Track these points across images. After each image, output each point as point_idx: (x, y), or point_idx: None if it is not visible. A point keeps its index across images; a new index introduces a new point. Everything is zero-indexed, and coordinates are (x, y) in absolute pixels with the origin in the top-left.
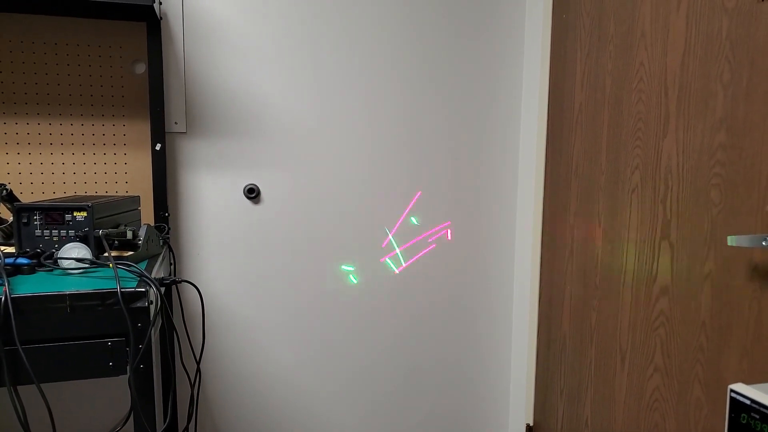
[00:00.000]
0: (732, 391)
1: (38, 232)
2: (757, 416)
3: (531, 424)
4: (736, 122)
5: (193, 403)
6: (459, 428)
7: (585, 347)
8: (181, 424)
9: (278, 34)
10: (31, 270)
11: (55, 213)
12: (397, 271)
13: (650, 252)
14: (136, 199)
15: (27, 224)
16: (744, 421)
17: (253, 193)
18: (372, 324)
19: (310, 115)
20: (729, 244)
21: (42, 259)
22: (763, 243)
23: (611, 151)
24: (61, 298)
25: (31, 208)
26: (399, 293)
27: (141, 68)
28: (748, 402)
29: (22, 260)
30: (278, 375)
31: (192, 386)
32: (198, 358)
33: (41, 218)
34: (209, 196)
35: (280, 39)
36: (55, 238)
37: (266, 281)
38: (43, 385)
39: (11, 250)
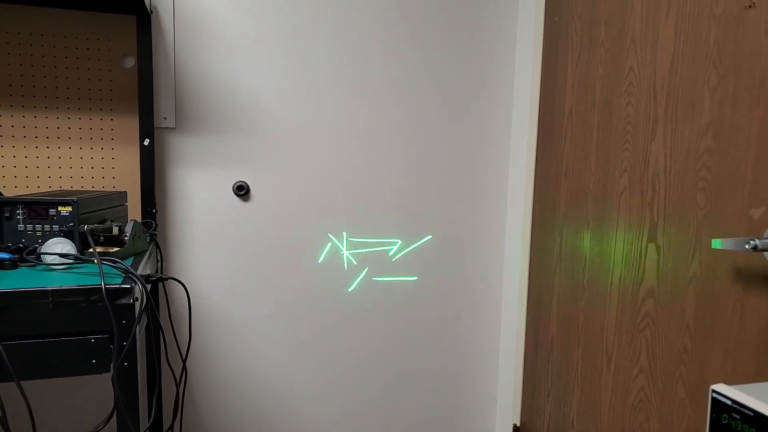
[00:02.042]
0: (713, 391)
1: (21, 226)
2: (738, 416)
3: (518, 425)
4: (722, 127)
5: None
6: (447, 428)
7: (572, 349)
8: (166, 422)
9: (270, 29)
10: (13, 265)
11: (38, 207)
12: (385, 271)
13: (637, 254)
14: (123, 195)
15: (9, 218)
16: (725, 422)
17: (242, 191)
18: (361, 324)
19: (301, 112)
20: (713, 247)
21: (24, 254)
22: (746, 246)
23: (600, 154)
24: (43, 293)
25: (13, 202)
26: (388, 294)
27: (130, 62)
28: (729, 402)
29: (3, 255)
30: (265, 374)
31: (177, 384)
32: (184, 356)
33: (24, 212)
34: (198, 192)
35: (271, 34)
36: (38, 233)
37: (254, 279)
38: (23, 383)
39: None
